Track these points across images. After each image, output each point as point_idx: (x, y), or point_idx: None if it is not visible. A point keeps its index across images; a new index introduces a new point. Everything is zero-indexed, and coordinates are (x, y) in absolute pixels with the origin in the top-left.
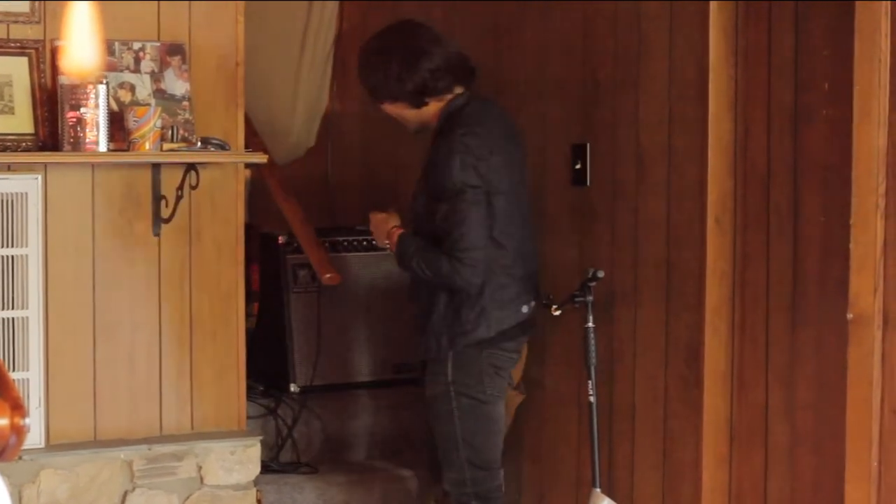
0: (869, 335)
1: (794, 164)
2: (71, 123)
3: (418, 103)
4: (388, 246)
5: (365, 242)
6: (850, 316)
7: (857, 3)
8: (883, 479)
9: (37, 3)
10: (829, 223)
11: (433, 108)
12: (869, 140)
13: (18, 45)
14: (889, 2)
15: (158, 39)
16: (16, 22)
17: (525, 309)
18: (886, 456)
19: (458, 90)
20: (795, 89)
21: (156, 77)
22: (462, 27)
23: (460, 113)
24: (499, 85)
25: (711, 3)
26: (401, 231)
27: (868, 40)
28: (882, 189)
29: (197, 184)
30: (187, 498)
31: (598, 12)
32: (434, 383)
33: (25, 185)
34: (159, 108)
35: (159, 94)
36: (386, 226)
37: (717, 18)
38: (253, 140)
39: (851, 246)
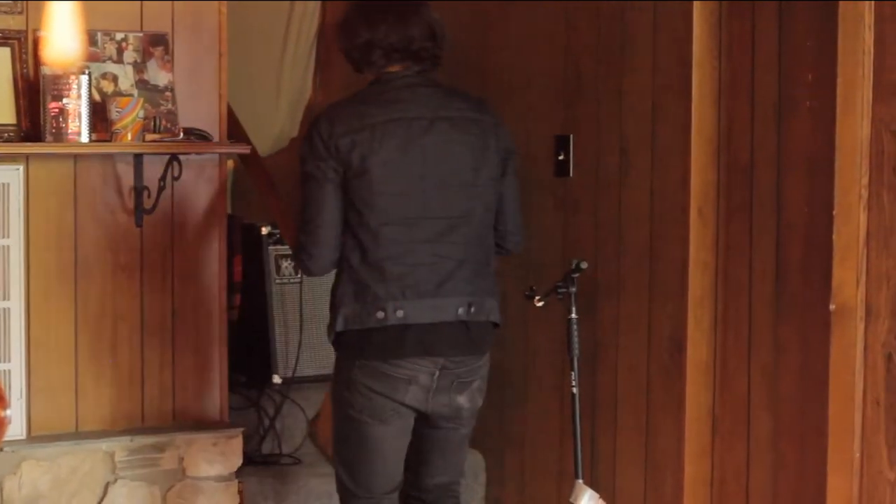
0: (851, 326)
1: (778, 155)
2: (53, 114)
3: (356, 69)
4: None
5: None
6: (832, 307)
7: None
8: (865, 470)
9: None
10: (813, 214)
11: (369, 79)
12: (852, 132)
13: (1, 35)
14: None
15: (141, 30)
16: None
17: (380, 315)
18: (869, 447)
19: (394, 68)
20: (779, 81)
21: (138, 67)
22: (446, 18)
23: (360, 90)
24: (484, 77)
25: None
26: None
27: (852, 32)
28: (865, 181)
29: (179, 174)
30: (169, 489)
31: (581, 5)
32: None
33: (7, 176)
34: (142, 99)
35: (142, 84)
36: None
37: (700, 11)
38: (236, 131)
39: (834, 237)
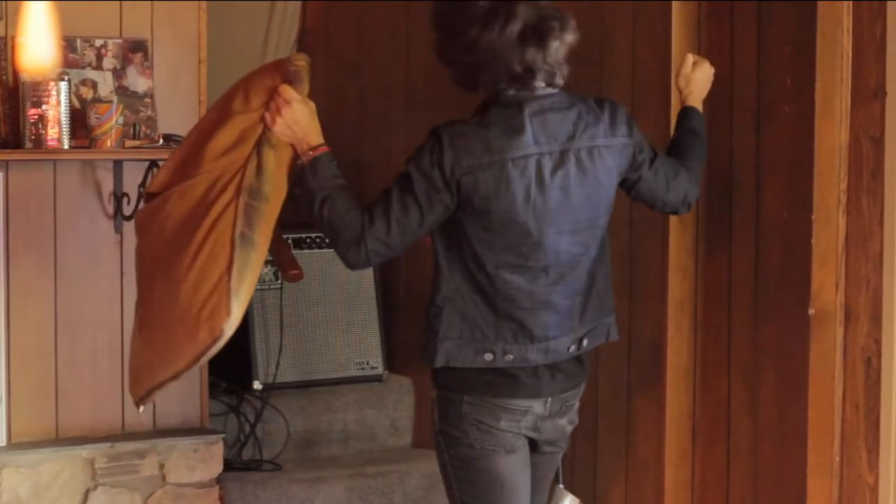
0: (831, 330)
1: (757, 160)
2: (32, 121)
3: (466, 88)
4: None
5: (328, 239)
6: (811, 311)
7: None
8: (845, 474)
9: (0, 1)
10: (792, 219)
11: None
12: (831, 136)
13: None
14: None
15: (121, 36)
16: None
17: (488, 357)
18: (848, 451)
19: (520, 89)
20: (758, 86)
21: (118, 74)
22: (426, 24)
23: (484, 113)
24: None
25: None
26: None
27: (830, 37)
28: (844, 185)
29: None
30: (150, 496)
31: (561, 7)
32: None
33: None
34: (121, 105)
35: (121, 90)
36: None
37: (679, 14)
38: None
39: (813, 241)
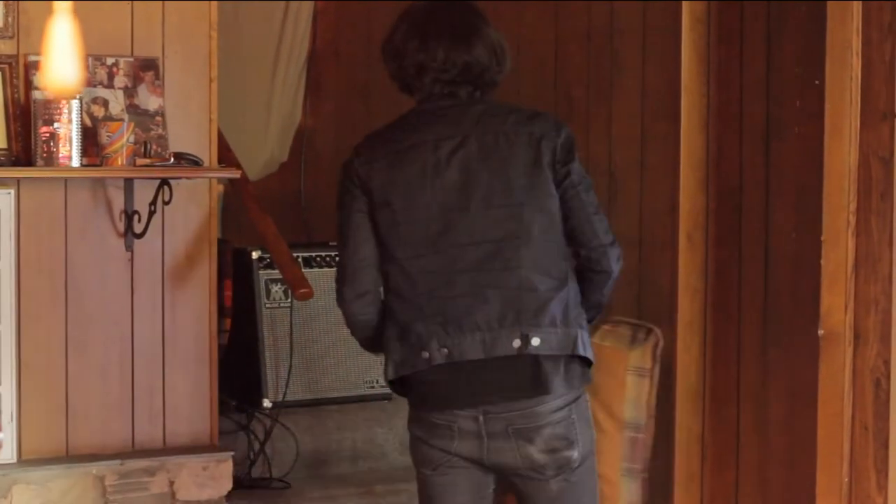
0: (840, 351)
1: (766, 180)
2: (44, 138)
3: (404, 91)
4: None
5: (337, 258)
6: (821, 332)
7: (828, 22)
8: (854, 495)
9: (10, 18)
10: (801, 240)
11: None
12: (840, 157)
13: None
14: (860, 20)
15: (132, 55)
16: None
17: (425, 355)
18: (857, 472)
19: (446, 91)
20: (767, 107)
21: (129, 92)
22: None
23: (401, 115)
24: None
25: (684, 21)
26: None
27: (839, 59)
28: (853, 206)
29: (170, 199)
30: None
31: (571, 31)
32: None
33: None
34: (132, 124)
35: (132, 109)
36: None
37: (689, 37)
38: (226, 155)
39: (822, 262)
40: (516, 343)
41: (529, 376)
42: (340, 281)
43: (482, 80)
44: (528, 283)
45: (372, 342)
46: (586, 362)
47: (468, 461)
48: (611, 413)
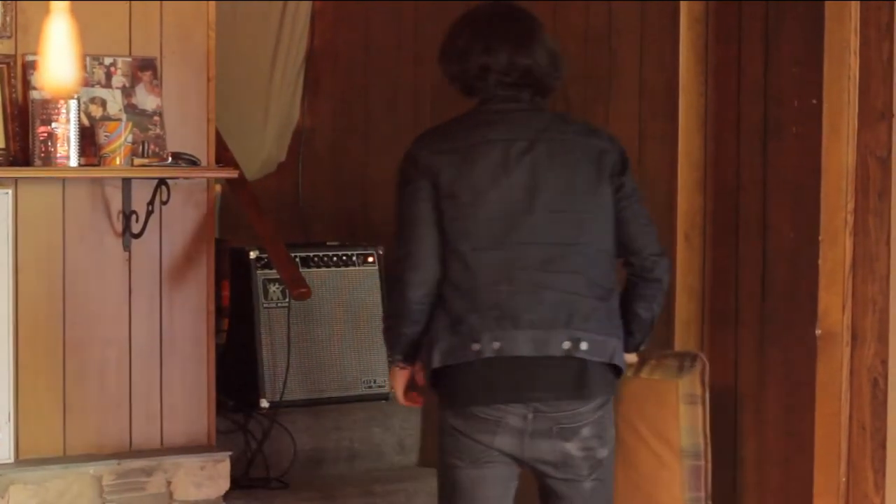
0: (837, 351)
1: (764, 180)
2: (42, 138)
3: (464, 93)
4: None
5: (335, 257)
6: (818, 332)
7: (826, 22)
8: (851, 495)
9: (8, 17)
10: (799, 239)
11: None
12: (838, 157)
13: None
14: (858, 20)
15: (130, 54)
16: None
17: (476, 346)
18: (854, 472)
19: (506, 93)
20: (765, 106)
21: (127, 92)
22: (433, 44)
23: (460, 114)
24: (469, 100)
25: (682, 21)
26: None
27: (837, 58)
28: (850, 206)
29: (168, 199)
30: None
31: (569, 30)
32: None
33: None
34: (130, 124)
35: (130, 109)
36: None
37: (686, 36)
38: (224, 155)
39: (820, 262)
40: (566, 345)
41: (576, 378)
42: (406, 268)
43: (542, 85)
44: (582, 289)
45: (408, 338)
46: (618, 371)
47: (505, 455)
48: (668, 443)
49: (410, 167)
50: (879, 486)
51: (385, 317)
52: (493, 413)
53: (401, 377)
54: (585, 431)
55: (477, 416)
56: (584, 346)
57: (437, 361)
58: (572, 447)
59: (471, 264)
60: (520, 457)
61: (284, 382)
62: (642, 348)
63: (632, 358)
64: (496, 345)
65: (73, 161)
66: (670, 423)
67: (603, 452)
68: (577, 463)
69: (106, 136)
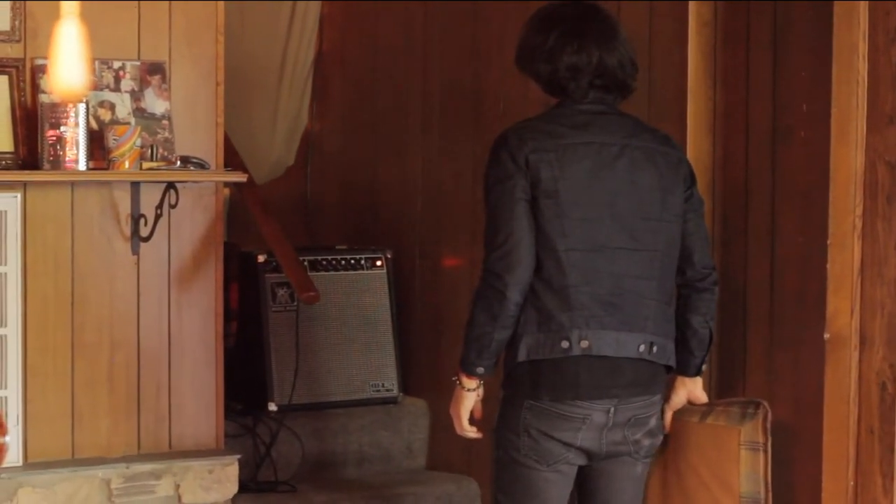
0: (846, 355)
1: (772, 184)
2: (51, 142)
3: (550, 93)
4: None
5: (343, 261)
6: (827, 336)
7: (835, 26)
8: (860, 499)
9: (17, 21)
10: (807, 243)
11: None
12: (846, 161)
13: None
14: (867, 24)
15: (139, 58)
16: None
17: (565, 344)
18: (863, 476)
19: (591, 94)
20: (773, 110)
21: (136, 96)
22: (441, 47)
23: (546, 111)
24: (478, 103)
25: (690, 24)
26: None
27: (846, 62)
28: (859, 210)
29: (176, 202)
30: None
31: None
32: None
33: (5, 204)
34: (139, 127)
35: (139, 112)
36: None
37: (695, 40)
38: (233, 159)
39: (829, 266)
40: (642, 348)
41: (649, 376)
42: (505, 267)
43: (625, 86)
44: (656, 295)
45: (500, 344)
46: (670, 370)
47: (582, 452)
48: (728, 489)
49: (509, 162)
50: (888, 490)
51: (476, 322)
52: (578, 411)
53: (469, 400)
54: (653, 421)
55: (563, 415)
56: (655, 349)
57: (522, 355)
58: (640, 434)
59: (564, 264)
60: (597, 451)
61: (293, 386)
62: (704, 367)
63: (702, 397)
64: (584, 343)
65: (82, 165)
66: (731, 469)
67: (659, 440)
68: (641, 448)
69: (115, 139)
